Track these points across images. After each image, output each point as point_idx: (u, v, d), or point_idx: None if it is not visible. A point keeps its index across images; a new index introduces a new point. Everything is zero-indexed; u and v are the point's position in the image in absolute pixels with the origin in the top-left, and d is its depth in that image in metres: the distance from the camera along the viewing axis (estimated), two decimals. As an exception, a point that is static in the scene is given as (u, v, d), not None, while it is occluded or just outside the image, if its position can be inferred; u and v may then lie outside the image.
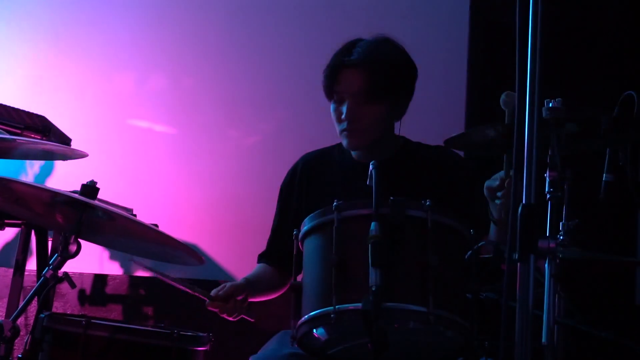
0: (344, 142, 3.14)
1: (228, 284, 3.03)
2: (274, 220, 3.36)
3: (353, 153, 3.21)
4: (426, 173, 3.16)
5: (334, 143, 3.30)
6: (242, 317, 3.04)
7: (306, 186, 3.27)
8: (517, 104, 2.12)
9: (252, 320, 3.06)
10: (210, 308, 2.98)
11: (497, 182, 2.78)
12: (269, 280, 3.26)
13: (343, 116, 3.09)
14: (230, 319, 3.04)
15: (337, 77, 3.11)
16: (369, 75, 3.06)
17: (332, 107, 3.14)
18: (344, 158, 3.24)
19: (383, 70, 3.08)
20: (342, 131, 3.13)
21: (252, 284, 3.13)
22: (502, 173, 2.77)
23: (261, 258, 3.34)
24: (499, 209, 2.82)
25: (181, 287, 2.98)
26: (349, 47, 3.13)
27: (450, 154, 3.22)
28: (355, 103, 3.08)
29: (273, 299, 3.30)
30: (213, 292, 2.99)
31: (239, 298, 3.01)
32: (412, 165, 3.19)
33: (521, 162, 2.11)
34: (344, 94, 3.10)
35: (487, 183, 2.83)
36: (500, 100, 2.68)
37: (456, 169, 3.19)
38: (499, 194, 2.79)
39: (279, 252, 3.22)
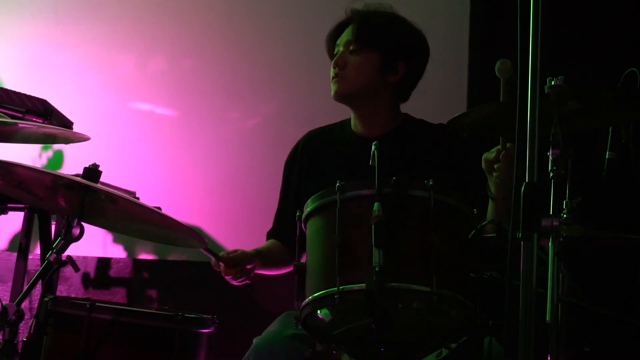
0: (332, 91, 3.23)
1: (239, 251, 3.08)
2: (280, 196, 3.38)
3: (354, 126, 3.24)
4: (428, 150, 3.17)
5: (335, 121, 3.33)
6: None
7: (308, 163, 3.30)
8: (519, 82, 2.12)
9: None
10: (215, 268, 3.03)
11: (493, 155, 2.81)
12: (279, 255, 3.29)
13: (333, 63, 3.21)
14: (234, 282, 3.08)
15: (336, 36, 3.27)
16: (358, 23, 3.21)
17: (332, 64, 3.27)
18: (346, 135, 3.26)
19: (372, 19, 3.22)
20: (332, 79, 3.23)
21: (263, 256, 3.16)
22: (499, 146, 2.79)
23: (270, 234, 3.36)
24: (496, 183, 2.84)
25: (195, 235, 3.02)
26: (351, 12, 3.30)
27: (452, 131, 3.22)
28: (345, 51, 3.21)
29: (276, 280, 3.31)
30: (222, 253, 3.04)
31: (248, 267, 3.05)
32: (413, 141, 3.20)
33: (523, 141, 2.10)
34: (340, 45, 3.24)
35: (484, 156, 2.86)
36: (495, 69, 2.68)
37: (458, 147, 3.20)
38: (496, 167, 2.81)
39: (285, 228, 3.23)
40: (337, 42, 3.26)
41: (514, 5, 2.18)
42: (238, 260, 3.06)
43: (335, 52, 3.25)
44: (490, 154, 2.85)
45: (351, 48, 3.20)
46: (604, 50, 4.37)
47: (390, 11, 3.28)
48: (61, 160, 4.86)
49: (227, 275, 3.07)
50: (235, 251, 3.10)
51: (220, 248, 4.60)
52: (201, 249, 3.06)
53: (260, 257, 3.14)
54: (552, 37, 2.22)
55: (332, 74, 3.23)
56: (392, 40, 3.20)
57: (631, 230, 3.94)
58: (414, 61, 3.22)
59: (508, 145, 2.80)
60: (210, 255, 3.05)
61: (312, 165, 3.28)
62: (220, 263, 3.10)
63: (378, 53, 3.18)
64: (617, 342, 3.70)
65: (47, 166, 4.82)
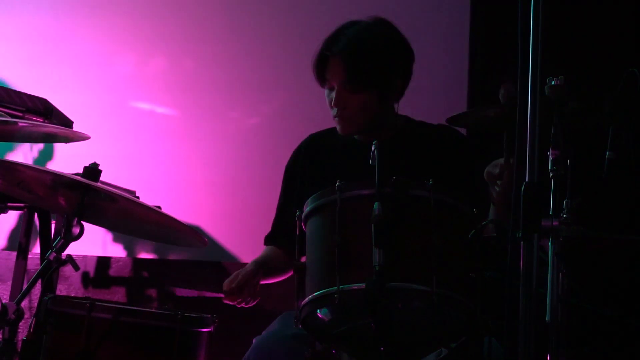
0: (338, 127, 3.19)
1: (240, 274, 3.06)
2: (279, 201, 3.37)
3: (339, 131, 3.22)
4: (428, 151, 3.17)
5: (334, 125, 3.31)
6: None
7: (310, 167, 3.28)
8: (520, 82, 2.12)
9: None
10: (226, 302, 3.02)
11: (497, 170, 2.79)
12: (278, 262, 3.27)
13: (332, 103, 3.12)
14: (249, 305, 3.07)
15: (324, 65, 3.15)
16: (350, 66, 3.09)
17: (326, 92, 3.19)
18: (346, 139, 3.25)
19: (364, 60, 3.09)
20: (334, 117, 3.18)
21: (262, 266, 3.14)
22: (502, 160, 2.77)
23: (268, 240, 3.35)
24: (498, 193, 2.83)
25: (192, 291, 3.01)
26: (337, 35, 3.16)
27: (452, 132, 3.22)
28: (342, 91, 3.12)
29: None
30: (225, 286, 3.02)
31: (253, 281, 3.04)
32: (414, 144, 3.19)
33: (524, 141, 2.10)
34: (331, 81, 3.14)
35: (487, 169, 2.83)
36: (500, 94, 2.68)
37: (458, 147, 3.20)
38: (499, 182, 2.80)
39: (285, 233, 3.22)
40: (328, 76, 3.15)
41: (514, 5, 2.18)
42: (243, 283, 3.04)
43: (328, 85, 3.15)
44: (494, 169, 2.81)
45: (346, 87, 3.11)
46: (604, 50, 4.37)
47: (380, 38, 3.15)
48: (51, 154, 4.86)
49: (240, 304, 3.06)
50: (236, 275, 3.07)
51: (220, 247, 4.61)
52: (205, 294, 3.05)
53: (259, 268, 3.13)
54: (553, 37, 2.22)
55: (332, 110, 3.16)
56: (386, 74, 3.14)
57: (631, 230, 3.94)
58: (407, 71, 3.20)
59: (511, 160, 2.78)
60: (217, 295, 3.04)
61: (314, 170, 3.27)
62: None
63: (375, 89, 3.13)
64: (617, 342, 3.70)
65: (38, 160, 4.81)
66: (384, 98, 3.16)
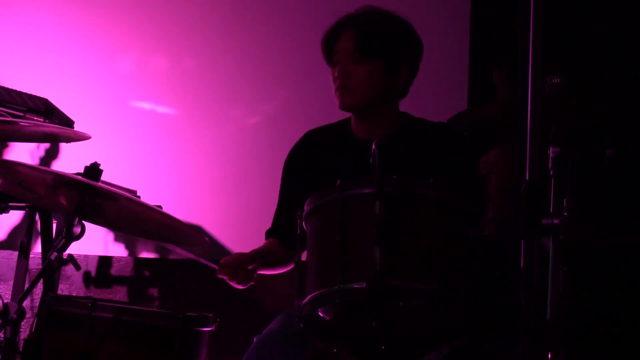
0: (338, 102, 3.18)
1: (238, 255, 3.06)
2: (279, 197, 3.37)
3: (354, 127, 3.22)
4: (428, 149, 3.16)
5: (334, 120, 3.31)
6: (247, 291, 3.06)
7: (308, 163, 3.28)
8: (520, 81, 2.12)
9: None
10: (219, 275, 3.01)
11: (492, 158, 2.80)
12: (278, 254, 3.27)
13: (336, 73, 3.13)
14: (240, 286, 3.06)
15: (333, 42, 3.17)
16: (358, 33, 3.12)
17: (332, 71, 3.19)
18: (346, 135, 3.24)
19: (373, 27, 3.14)
20: (335, 91, 3.17)
21: (262, 256, 3.14)
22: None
23: (268, 234, 3.35)
24: (496, 189, 2.83)
25: (190, 256, 3.01)
26: (343, 14, 3.20)
27: (452, 130, 3.22)
28: (347, 62, 3.13)
29: (277, 279, 3.30)
30: (222, 260, 3.02)
31: (250, 267, 3.03)
32: (414, 141, 3.18)
33: (524, 140, 2.10)
34: (338, 55, 3.15)
35: (483, 158, 2.85)
36: (493, 76, 2.68)
37: (458, 145, 3.19)
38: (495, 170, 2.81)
39: (285, 228, 3.22)
40: (336, 48, 3.18)
41: (514, 4, 2.18)
42: (238, 264, 3.04)
43: (334, 61, 3.18)
44: (489, 157, 2.83)
45: (353, 57, 3.14)
46: (605, 49, 4.37)
47: (387, 13, 3.21)
48: (56, 153, 4.86)
49: (232, 280, 3.05)
50: (235, 255, 3.09)
51: (222, 246, 4.61)
52: (202, 260, 3.05)
53: (260, 257, 3.13)
54: (553, 36, 2.22)
55: (335, 84, 3.17)
56: (394, 47, 3.16)
57: (632, 228, 3.95)
58: (414, 62, 3.22)
59: (508, 147, 2.79)
60: (211, 265, 3.04)
61: (312, 166, 3.26)
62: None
63: (381, 61, 3.14)
64: (618, 340, 3.70)
65: (44, 160, 4.82)
66: (387, 76, 3.16)
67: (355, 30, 3.14)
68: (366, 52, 3.11)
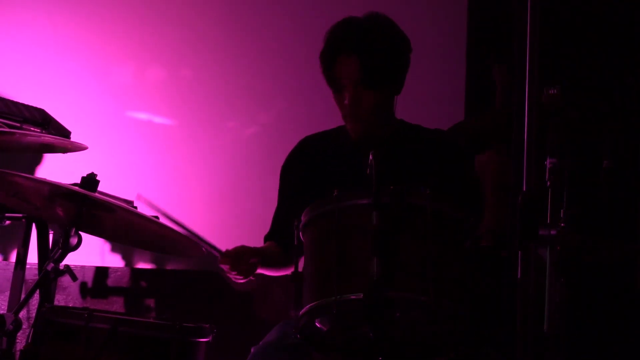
0: (349, 127, 3.14)
1: (241, 246, 3.04)
2: (277, 202, 3.37)
3: (352, 132, 3.21)
4: (425, 156, 3.16)
5: (331, 127, 3.31)
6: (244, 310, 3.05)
7: (305, 168, 3.27)
8: (517, 91, 2.12)
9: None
10: (220, 265, 2.99)
11: (486, 158, 2.80)
12: (277, 256, 3.26)
13: (346, 102, 3.08)
14: (239, 280, 3.04)
15: (334, 64, 3.09)
16: (366, 63, 3.04)
17: (333, 92, 3.14)
18: (342, 141, 3.23)
19: (379, 56, 3.06)
20: (345, 116, 3.13)
21: (263, 254, 3.13)
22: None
23: (267, 238, 3.35)
24: (491, 192, 2.83)
25: (195, 239, 2.99)
26: (343, 32, 3.11)
27: (449, 137, 3.22)
28: (356, 89, 3.06)
29: (274, 289, 3.30)
30: (225, 250, 3.01)
31: (252, 261, 3.02)
32: (410, 147, 3.18)
33: (521, 150, 2.11)
34: (344, 81, 3.08)
35: (478, 157, 2.85)
36: (492, 72, 2.69)
37: (455, 153, 3.19)
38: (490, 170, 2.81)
39: (282, 232, 3.22)
40: (341, 74, 3.08)
41: (511, 13, 2.19)
42: (241, 254, 3.02)
43: (341, 85, 3.09)
44: (483, 156, 2.83)
45: (361, 84, 3.06)
46: (601, 60, 4.38)
47: (387, 30, 3.13)
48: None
49: (233, 271, 3.03)
50: (237, 247, 3.06)
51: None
52: (204, 249, 3.03)
53: (262, 254, 3.12)
54: (549, 47, 2.23)
55: (344, 110, 3.11)
56: (399, 68, 3.15)
57: (628, 238, 3.95)
58: (409, 62, 3.20)
59: (502, 147, 2.79)
60: (214, 253, 3.02)
61: (309, 172, 3.26)
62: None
63: (389, 84, 3.12)
64: (616, 351, 3.70)
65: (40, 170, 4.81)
66: (395, 93, 3.15)
67: (360, 57, 3.05)
68: (373, 82, 3.07)
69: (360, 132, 3.12)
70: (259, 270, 3.10)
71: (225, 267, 3.00)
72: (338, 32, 3.12)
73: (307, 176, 3.25)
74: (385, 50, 3.08)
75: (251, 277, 3.05)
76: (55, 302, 4.48)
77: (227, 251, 3.01)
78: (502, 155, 2.74)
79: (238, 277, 3.03)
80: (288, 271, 3.23)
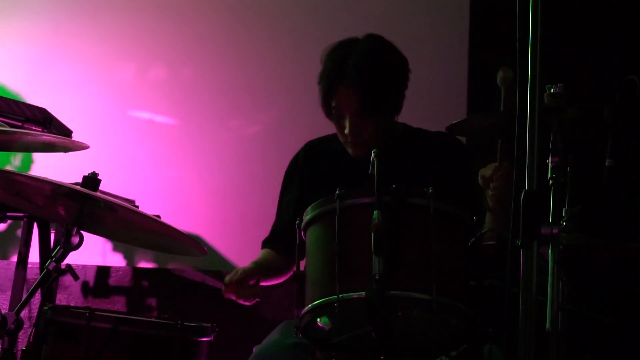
0: (350, 151, 3.17)
1: (240, 271, 3.04)
2: (278, 206, 3.37)
3: (353, 155, 3.21)
4: (427, 159, 3.16)
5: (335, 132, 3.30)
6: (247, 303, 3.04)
7: (308, 173, 3.28)
8: (518, 90, 2.12)
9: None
10: (226, 295, 2.99)
11: (489, 172, 2.80)
12: (276, 264, 3.26)
13: (346, 130, 3.10)
14: (247, 303, 3.04)
15: (332, 95, 3.10)
16: (365, 94, 3.05)
17: (331, 120, 3.16)
18: (344, 146, 3.24)
19: (378, 87, 3.06)
20: (346, 142, 3.16)
21: (262, 268, 3.13)
22: (495, 164, 2.78)
23: (265, 244, 3.35)
24: (491, 198, 2.83)
25: (195, 279, 3.00)
26: (341, 62, 3.10)
27: (451, 139, 3.23)
28: (356, 118, 3.09)
29: (276, 288, 3.30)
30: (226, 279, 3.00)
31: (251, 282, 3.02)
32: (412, 151, 3.19)
33: (523, 149, 2.10)
34: (343, 110, 3.10)
35: (480, 172, 2.84)
36: (497, 77, 2.69)
37: (457, 155, 3.20)
38: (491, 185, 2.80)
39: (283, 238, 3.22)
40: (340, 105, 3.08)
41: (513, 12, 2.18)
42: (243, 277, 3.02)
43: (340, 112, 3.10)
44: (486, 171, 2.83)
45: (361, 114, 3.07)
46: (603, 58, 4.38)
47: (386, 57, 3.13)
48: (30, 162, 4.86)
49: (239, 298, 3.04)
50: (235, 272, 3.05)
51: (220, 256, 4.61)
52: (206, 282, 3.04)
53: (260, 269, 3.12)
54: (552, 45, 2.22)
55: (344, 137, 3.14)
56: (398, 94, 3.16)
57: (631, 237, 3.94)
58: (407, 82, 3.20)
59: (506, 163, 2.79)
60: (217, 285, 3.03)
61: (312, 177, 3.27)
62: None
63: (388, 110, 3.13)
64: (617, 350, 3.69)
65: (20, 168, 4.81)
66: (396, 114, 3.17)
67: (359, 90, 3.05)
68: (373, 111, 3.07)
69: (361, 154, 3.12)
70: (262, 284, 3.10)
71: (231, 296, 3.01)
72: (336, 62, 3.12)
73: (311, 182, 3.25)
74: (384, 80, 3.09)
75: (257, 299, 3.04)
76: (57, 302, 4.49)
77: (229, 280, 3.00)
78: (505, 165, 2.74)
79: (246, 302, 3.03)
80: (288, 276, 3.25)
